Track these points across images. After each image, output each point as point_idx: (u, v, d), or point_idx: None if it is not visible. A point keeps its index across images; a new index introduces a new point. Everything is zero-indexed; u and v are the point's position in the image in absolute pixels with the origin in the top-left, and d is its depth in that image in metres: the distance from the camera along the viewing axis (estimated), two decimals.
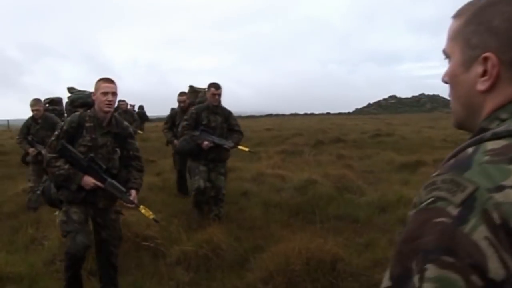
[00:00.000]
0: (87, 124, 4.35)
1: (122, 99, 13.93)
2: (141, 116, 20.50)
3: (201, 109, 7.45)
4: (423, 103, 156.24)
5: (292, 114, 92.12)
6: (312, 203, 8.26)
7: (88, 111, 4.46)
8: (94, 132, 4.36)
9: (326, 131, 26.96)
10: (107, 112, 4.36)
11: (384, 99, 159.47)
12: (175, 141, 8.88)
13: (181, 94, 9.64)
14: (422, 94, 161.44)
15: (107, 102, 4.31)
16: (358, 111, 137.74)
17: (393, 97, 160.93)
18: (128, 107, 15.48)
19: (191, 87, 10.09)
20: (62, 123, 4.59)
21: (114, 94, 4.38)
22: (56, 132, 4.44)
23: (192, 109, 7.63)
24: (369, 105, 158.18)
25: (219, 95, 7.38)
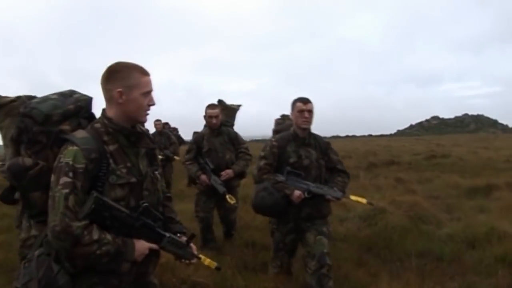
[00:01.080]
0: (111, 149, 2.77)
1: (158, 118, 12.59)
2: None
3: (285, 139, 4.82)
4: (467, 124, 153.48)
5: (333, 136, 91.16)
6: (384, 236, 7.15)
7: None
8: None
9: (376, 153, 25.80)
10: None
11: (427, 120, 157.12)
12: (203, 177, 6.49)
13: (212, 106, 6.60)
14: (466, 115, 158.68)
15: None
16: (400, 133, 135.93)
17: (435, 118, 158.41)
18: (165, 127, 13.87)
19: (220, 102, 7.05)
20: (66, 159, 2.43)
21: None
22: (66, 179, 2.30)
23: (273, 141, 4.89)
24: (411, 126, 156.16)
25: (310, 112, 4.67)
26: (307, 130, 4.73)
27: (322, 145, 4.89)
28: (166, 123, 14.82)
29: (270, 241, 5.41)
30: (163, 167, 9.59)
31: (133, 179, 2.48)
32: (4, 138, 2.90)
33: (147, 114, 2.58)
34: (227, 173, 6.45)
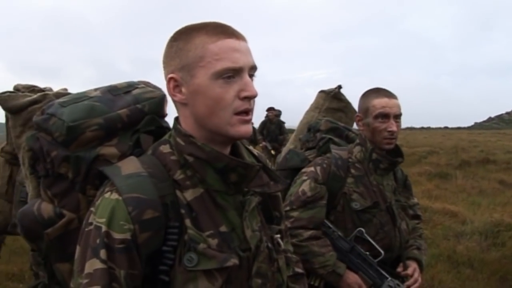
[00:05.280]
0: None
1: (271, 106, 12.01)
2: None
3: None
4: None
5: (408, 128, 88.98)
6: None
7: None
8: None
9: (466, 149, 24.02)
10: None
11: (507, 113, 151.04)
12: None
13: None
14: None
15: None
16: (478, 125, 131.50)
17: None
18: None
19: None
20: None
21: None
22: (96, 264, 1.19)
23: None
24: (490, 119, 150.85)
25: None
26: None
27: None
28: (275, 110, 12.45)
29: None
30: None
31: (233, 260, 1.28)
32: (23, 166, 1.51)
33: (246, 120, 1.28)
34: None
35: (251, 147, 1.50)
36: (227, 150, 1.35)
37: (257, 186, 1.39)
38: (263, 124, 12.23)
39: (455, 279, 5.36)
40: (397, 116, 2.39)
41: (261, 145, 11.69)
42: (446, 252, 6.24)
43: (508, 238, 6.60)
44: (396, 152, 2.48)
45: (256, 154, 1.50)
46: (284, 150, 2.99)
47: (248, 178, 1.34)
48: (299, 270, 1.71)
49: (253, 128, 11.30)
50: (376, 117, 2.37)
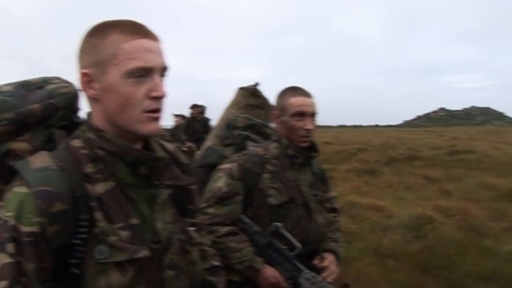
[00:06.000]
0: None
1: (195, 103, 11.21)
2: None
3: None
4: (473, 116, 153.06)
5: (340, 126, 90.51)
6: (439, 252, 6.11)
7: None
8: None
9: (394, 146, 24.76)
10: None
11: (434, 112, 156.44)
12: None
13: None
14: (473, 107, 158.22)
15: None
16: (407, 124, 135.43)
17: (442, 109, 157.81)
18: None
19: None
20: None
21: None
22: (4, 258, 1.17)
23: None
24: (418, 117, 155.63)
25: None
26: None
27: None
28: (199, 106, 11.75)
29: None
30: None
31: (144, 252, 1.31)
32: None
33: (155, 117, 1.32)
34: None
35: (165, 142, 1.54)
36: (138, 146, 1.37)
37: (168, 179, 1.43)
38: (187, 123, 11.52)
39: (380, 271, 5.55)
40: (313, 115, 2.46)
41: (185, 147, 10.40)
42: (372, 246, 6.44)
43: (430, 230, 6.88)
44: (312, 148, 2.54)
45: (169, 148, 1.53)
46: (203, 147, 3.01)
47: (158, 171, 1.38)
48: (216, 263, 1.74)
49: (177, 128, 11.04)
50: (293, 115, 2.42)
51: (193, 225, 1.54)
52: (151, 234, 1.35)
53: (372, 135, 40.65)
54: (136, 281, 1.28)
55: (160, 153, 1.44)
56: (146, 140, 1.41)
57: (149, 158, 1.34)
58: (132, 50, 1.27)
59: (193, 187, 1.61)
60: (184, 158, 1.59)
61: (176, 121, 11.37)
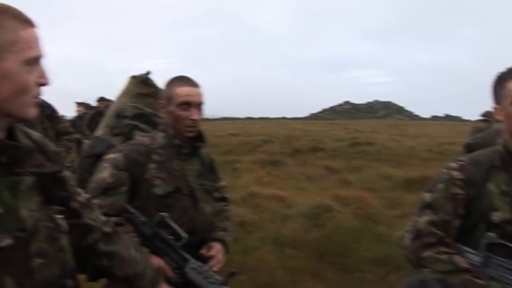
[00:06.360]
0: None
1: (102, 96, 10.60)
2: None
3: (484, 166, 2.12)
4: (376, 110, 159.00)
5: (247, 118, 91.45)
6: (337, 240, 6.32)
7: None
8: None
9: (299, 138, 25.31)
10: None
11: (339, 105, 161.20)
12: None
13: None
14: (376, 101, 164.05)
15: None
16: (313, 116, 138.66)
17: (347, 103, 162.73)
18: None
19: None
20: None
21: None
22: None
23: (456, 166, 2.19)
24: (324, 110, 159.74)
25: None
26: None
27: None
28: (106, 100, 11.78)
29: None
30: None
31: (6, 240, 1.26)
32: None
33: (37, 102, 1.37)
34: None
35: (30, 130, 1.51)
36: (2, 134, 1.34)
37: (32, 167, 1.40)
38: (92, 117, 10.43)
39: (278, 259, 5.64)
40: (200, 105, 2.44)
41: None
42: (272, 235, 6.54)
43: (328, 219, 7.09)
44: (199, 138, 2.53)
45: (33, 136, 1.50)
46: (92, 137, 2.94)
47: (20, 160, 1.35)
48: (108, 229, 1.73)
49: (79, 118, 10.58)
50: (179, 105, 2.40)
51: (61, 212, 1.49)
52: (15, 222, 1.30)
53: (278, 127, 41.30)
54: (0, 271, 1.24)
55: (24, 141, 1.42)
56: (10, 128, 1.38)
57: (9, 146, 1.31)
58: (30, 39, 1.30)
59: (66, 174, 1.57)
60: (52, 146, 1.56)
61: (78, 110, 10.95)
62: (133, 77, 3.01)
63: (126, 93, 2.99)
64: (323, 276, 5.20)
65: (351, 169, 13.87)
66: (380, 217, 7.44)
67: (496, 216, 1.99)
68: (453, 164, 2.17)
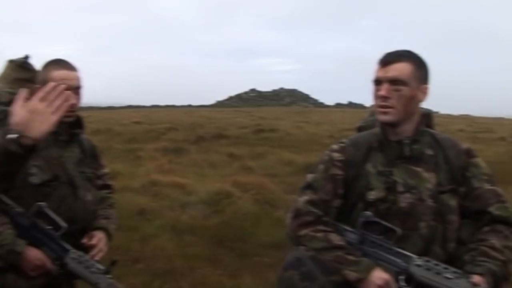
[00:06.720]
0: None
1: None
2: None
3: (364, 146, 2.21)
4: (282, 97, 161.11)
5: (153, 106, 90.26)
6: (235, 225, 6.37)
7: None
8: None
9: (203, 126, 25.27)
10: None
11: (245, 92, 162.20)
12: None
13: None
14: (282, 89, 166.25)
15: None
16: (220, 104, 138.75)
17: (253, 90, 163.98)
18: None
19: None
20: None
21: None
22: None
23: (339, 145, 2.27)
24: (230, 98, 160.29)
25: None
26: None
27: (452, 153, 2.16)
28: None
29: None
30: None
31: None
32: None
33: None
34: None
35: None
36: None
37: None
38: None
39: (176, 247, 5.60)
40: (77, 89, 2.37)
41: None
42: (171, 222, 6.50)
43: (227, 205, 7.13)
44: (77, 123, 2.46)
45: None
46: None
47: None
48: None
49: None
50: None
51: None
52: None
53: (184, 115, 41.02)
54: None
55: None
56: None
57: None
58: None
59: None
60: None
61: None
62: (11, 62, 2.85)
63: (3, 78, 2.83)
64: (221, 261, 5.21)
65: (254, 156, 14.02)
66: (280, 202, 7.54)
67: (372, 195, 2.11)
68: (335, 146, 2.28)
